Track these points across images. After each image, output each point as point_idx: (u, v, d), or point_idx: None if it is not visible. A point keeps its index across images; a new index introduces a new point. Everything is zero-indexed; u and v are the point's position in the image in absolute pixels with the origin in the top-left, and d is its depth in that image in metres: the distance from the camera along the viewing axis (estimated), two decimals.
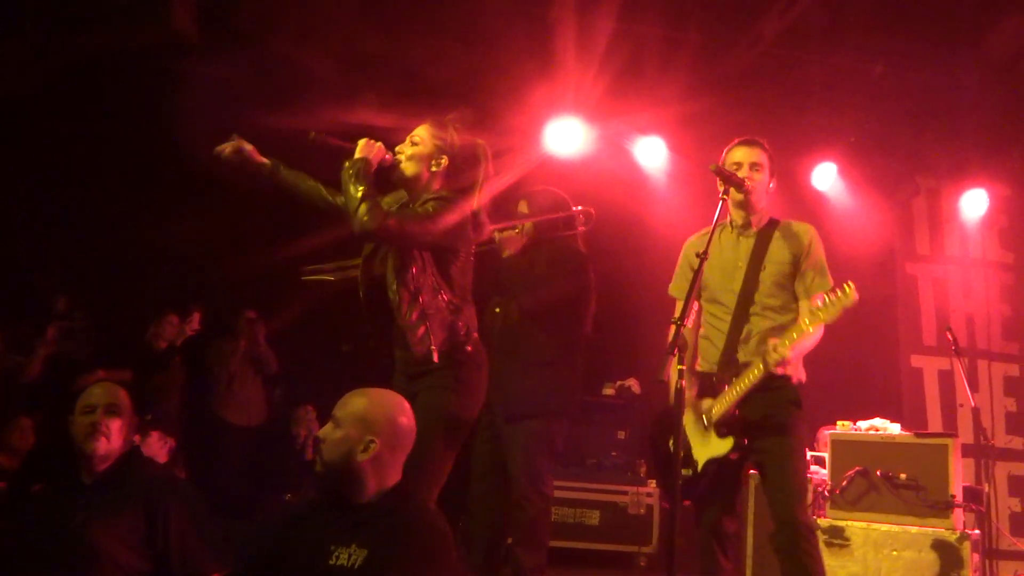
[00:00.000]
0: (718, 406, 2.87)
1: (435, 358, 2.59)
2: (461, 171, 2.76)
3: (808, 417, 2.96)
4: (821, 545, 3.32)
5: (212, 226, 5.21)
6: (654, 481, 5.32)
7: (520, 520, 3.31)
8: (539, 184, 3.83)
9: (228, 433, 5.75)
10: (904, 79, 5.30)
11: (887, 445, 4.14)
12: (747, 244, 2.98)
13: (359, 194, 2.54)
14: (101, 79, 5.06)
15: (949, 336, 5.04)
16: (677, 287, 3.14)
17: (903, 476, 4.01)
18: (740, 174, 2.93)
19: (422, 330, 2.61)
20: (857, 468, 4.11)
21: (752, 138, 3.04)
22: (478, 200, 2.75)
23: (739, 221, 3.02)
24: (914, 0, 4.90)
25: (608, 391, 5.73)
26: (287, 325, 5.74)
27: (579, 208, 3.58)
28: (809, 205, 5.78)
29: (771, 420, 2.82)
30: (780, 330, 2.81)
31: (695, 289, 2.74)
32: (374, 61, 5.09)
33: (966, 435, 5.33)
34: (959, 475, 3.98)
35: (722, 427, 2.85)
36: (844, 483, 4.11)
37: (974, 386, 5.54)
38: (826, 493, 4.14)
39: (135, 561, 2.49)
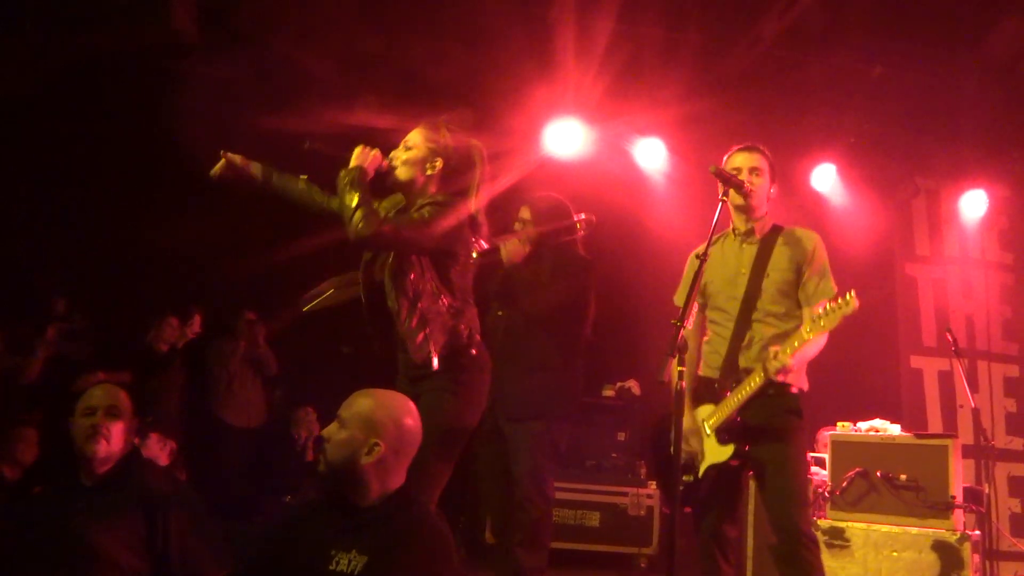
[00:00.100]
0: (719, 412, 2.87)
1: (435, 364, 2.59)
2: (457, 173, 2.75)
3: (808, 425, 2.94)
4: (821, 546, 3.32)
5: (212, 227, 5.21)
6: (654, 483, 5.32)
7: (522, 521, 3.32)
8: (539, 186, 3.83)
9: (228, 434, 5.75)
10: (903, 80, 5.31)
11: (887, 446, 4.14)
12: (750, 251, 2.98)
13: (354, 202, 2.54)
14: (101, 79, 5.06)
15: (949, 337, 5.04)
16: (682, 296, 3.12)
17: (903, 477, 4.01)
18: (740, 178, 2.93)
19: (421, 336, 2.61)
20: (857, 469, 4.12)
21: (752, 144, 3.04)
22: (476, 202, 2.74)
23: (742, 228, 3.02)
24: (913, 1, 4.91)
25: (608, 393, 5.73)
26: (287, 326, 5.73)
27: (581, 216, 3.58)
28: (808, 206, 5.79)
29: (770, 427, 2.81)
30: (783, 337, 2.80)
31: (695, 290, 2.74)
32: (374, 62, 5.10)
33: (966, 436, 5.34)
34: (959, 476, 3.98)
35: (723, 433, 2.84)
36: (844, 484, 4.11)
37: (974, 387, 5.54)
38: (826, 494, 4.14)
39: (135, 563, 2.49)
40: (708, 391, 2.94)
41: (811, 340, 2.72)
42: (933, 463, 3.99)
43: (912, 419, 5.55)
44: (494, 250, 3.38)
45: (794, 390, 2.87)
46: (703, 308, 3.08)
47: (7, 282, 5.24)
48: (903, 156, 5.94)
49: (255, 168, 2.86)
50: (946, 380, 5.95)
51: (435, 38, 5.03)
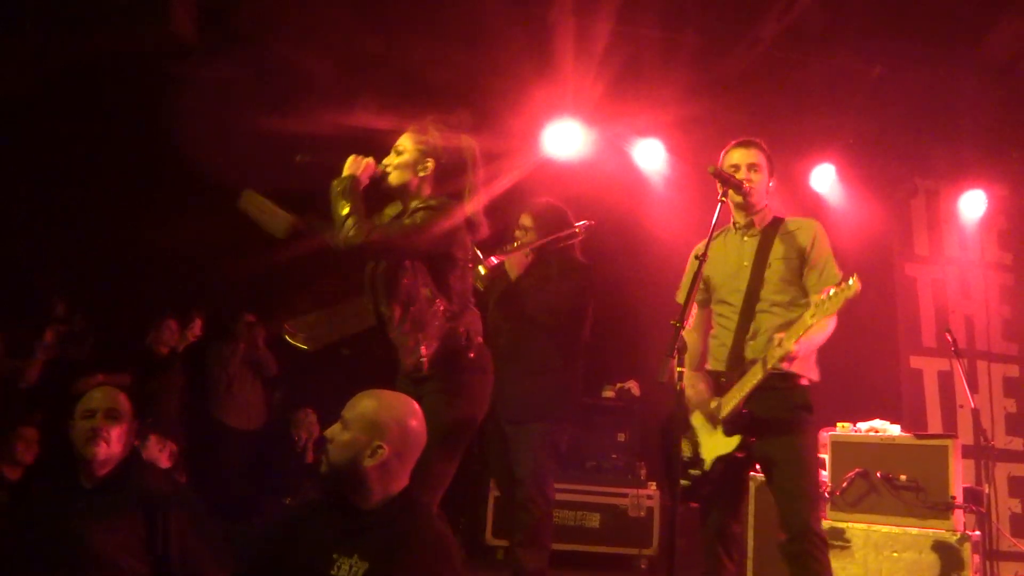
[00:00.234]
0: (726, 404, 2.84)
1: (425, 368, 2.59)
2: (450, 172, 2.75)
3: (818, 420, 2.91)
4: None
5: (211, 228, 5.19)
6: (654, 483, 5.32)
7: (524, 521, 3.34)
8: (538, 187, 3.85)
9: (227, 436, 5.74)
10: (903, 81, 5.31)
11: (887, 446, 4.14)
12: (751, 243, 2.98)
13: (344, 211, 2.55)
14: (101, 80, 5.06)
15: (948, 337, 5.04)
16: (684, 296, 3.12)
17: (903, 477, 4.01)
18: (738, 176, 2.93)
19: (413, 341, 2.63)
20: (857, 469, 4.11)
21: (749, 139, 3.04)
22: (473, 202, 2.74)
23: (742, 222, 3.02)
24: (912, 2, 4.91)
25: (608, 393, 5.73)
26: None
27: (582, 222, 3.59)
28: (808, 206, 5.79)
29: (778, 422, 2.79)
30: (789, 326, 2.77)
31: (694, 290, 2.74)
32: (373, 62, 5.10)
33: (966, 436, 5.34)
34: (959, 476, 3.98)
35: (729, 425, 2.82)
36: (844, 485, 4.11)
37: (974, 387, 5.54)
38: (826, 495, 4.13)
39: (136, 565, 2.49)
40: (715, 383, 2.93)
41: (817, 327, 2.69)
42: (933, 463, 3.99)
43: (912, 419, 5.55)
44: (500, 264, 3.40)
45: (804, 382, 2.85)
46: (708, 303, 3.07)
47: (7, 283, 5.24)
48: (902, 156, 5.95)
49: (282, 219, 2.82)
50: (946, 380, 5.95)
51: (434, 39, 5.03)
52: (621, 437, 5.53)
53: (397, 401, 2.25)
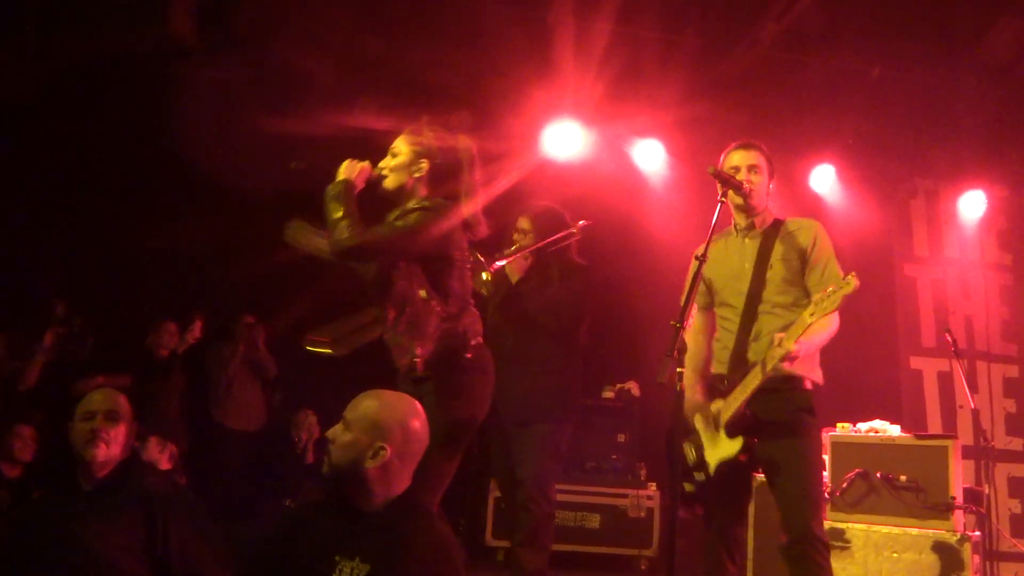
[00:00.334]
0: (728, 407, 2.82)
1: (419, 368, 2.60)
2: (445, 173, 2.75)
3: (821, 422, 2.90)
4: None
5: (211, 230, 5.20)
6: (654, 484, 5.32)
7: (525, 522, 3.34)
8: (538, 188, 3.86)
9: (227, 438, 5.74)
10: (902, 81, 5.32)
11: (887, 447, 4.14)
12: (752, 245, 2.97)
13: (338, 214, 2.56)
14: (100, 82, 5.06)
15: (948, 337, 5.04)
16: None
17: (903, 478, 4.01)
18: (738, 177, 2.92)
19: (407, 342, 2.63)
20: (857, 470, 4.11)
21: (748, 141, 3.03)
22: (471, 201, 2.74)
23: (742, 224, 3.01)
24: (912, 3, 4.92)
25: (608, 394, 5.73)
26: (286, 329, 5.73)
27: (580, 223, 3.61)
28: (807, 207, 5.79)
29: (781, 424, 2.77)
30: (790, 327, 2.75)
31: (694, 291, 2.73)
32: (373, 64, 5.10)
33: (966, 437, 5.33)
34: (959, 477, 3.98)
35: (732, 428, 2.79)
36: (844, 485, 4.11)
37: (973, 387, 5.54)
38: (826, 495, 4.13)
39: (136, 567, 2.48)
40: (718, 386, 2.92)
41: (819, 326, 2.68)
42: (933, 464, 3.99)
43: (912, 420, 5.55)
44: (501, 269, 3.42)
45: (807, 385, 2.84)
46: (711, 307, 3.06)
47: (6, 285, 5.24)
48: (902, 156, 5.95)
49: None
50: (946, 381, 5.95)
51: (434, 41, 5.03)
52: (621, 438, 5.53)
53: (399, 401, 2.22)
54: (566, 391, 3.53)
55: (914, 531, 3.89)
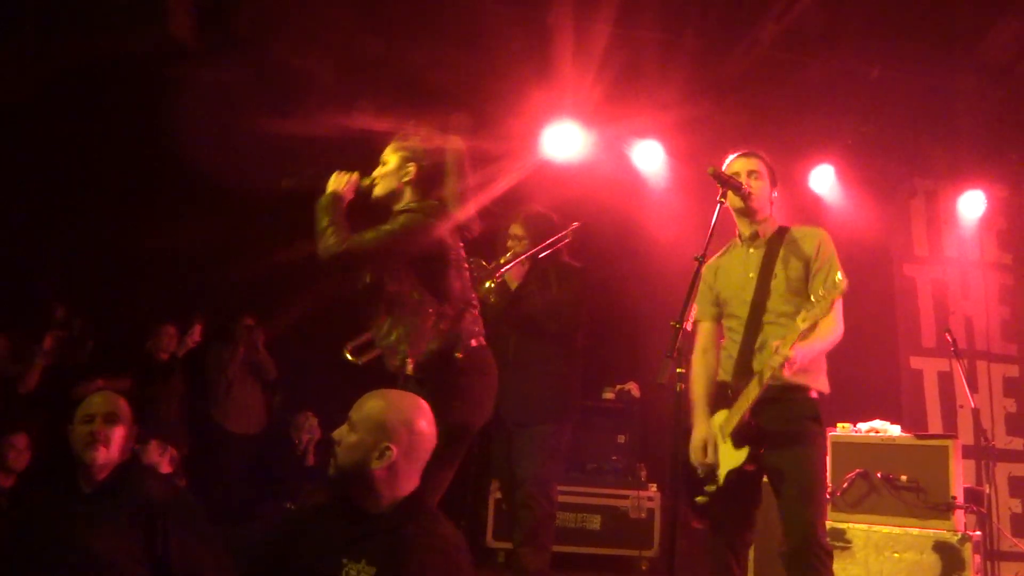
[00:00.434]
0: (732, 416, 2.81)
1: (409, 370, 2.61)
2: (435, 175, 2.77)
3: (826, 431, 2.87)
4: None
5: (211, 232, 5.20)
6: (655, 485, 5.32)
7: (526, 520, 3.36)
8: (536, 190, 3.88)
9: (227, 440, 5.73)
10: (901, 82, 5.32)
11: (887, 447, 4.14)
12: (757, 255, 2.95)
13: (324, 223, 2.62)
14: (99, 83, 5.06)
15: (948, 337, 5.05)
16: (699, 311, 3.10)
17: (904, 478, 4.01)
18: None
19: (396, 346, 2.64)
20: (858, 470, 4.12)
21: (749, 150, 3.03)
22: (462, 200, 2.75)
23: (746, 233, 3.00)
24: (911, 4, 4.92)
25: (608, 395, 5.73)
26: (286, 331, 5.73)
27: (573, 225, 3.64)
28: (807, 207, 5.79)
29: (786, 433, 2.75)
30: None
31: (693, 291, 2.72)
32: (373, 65, 5.10)
33: (966, 436, 5.34)
34: (960, 476, 3.98)
35: (737, 437, 2.78)
36: (845, 485, 4.11)
37: (974, 387, 5.54)
38: (827, 495, 4.13)
39: (136, 570, 2.48)
40: (722, 396, 2.90)
41: (819, 333, 2.68)
42: (933, 464, 4.00)
43: (912, 420, 5.55)
44: (501, 277, 3.44)
45: (813, 394, 2.82)
46: (719, 319, 3.04)
47: (6, 288, 5.24)
48: (901, 157, 5.95)
49: None
50: (946, 381, 5.94)
51: (434, 42, 5.03)
52: (621, 439, 5.53)
53: (405, 401, 2.20)
54: (565, 392, 3.56)
55: (915, 531, 3.90)
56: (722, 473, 2.82)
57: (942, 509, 3.90)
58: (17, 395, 4.85)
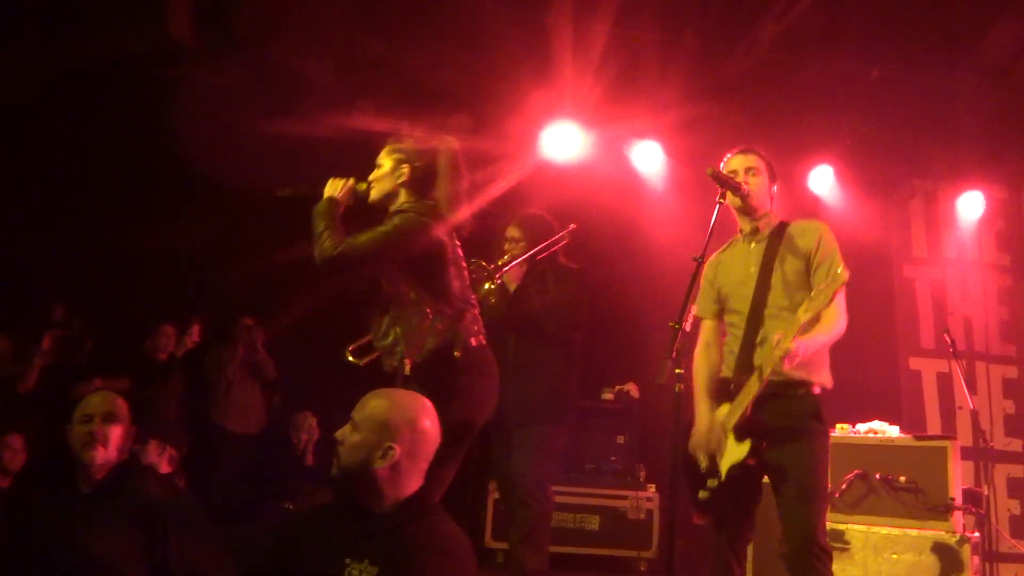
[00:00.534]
0: (734, 411, 2.80)
1: (406, 370, 2.61)
2: (429, 175, 2.79)
3: (829, 429, 2.85)
4: None
5: (210, 232, 5.21)
6: (654, 486, 5.32)
7: (523, 518, 3.36)
8: (535, 190, 3.88)
9: (227, 440, 5.74)
10: (901, 83, 5.32)
11: (886, 448, 4.14)
12: (758, 249, 2.95)
13: (320, 228, 2.65)
14: (99, 84, 5.06)
15: (947, 338, 5.05)
16: (701, 307, 3.10)
17: (902, 479, 4.01)
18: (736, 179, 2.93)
19: (393, 344, 2.65)
20: (856, 471, 4.12)
21: (747, 147, 3.02)
22: (453, 201, 2.76)
23: (747, 229, 3.00)
24: (910, 5, 4.92)
25: (607, 396, 5.72)
26: (285, 331, 5.73)
27: (570, 227, 3.65)
28: (806, 208, 5.79)
29: (788, 431, 2.74)
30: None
31: (692, 291, 2.72)
32: (372, 66, 5.10)
33: (965, 437, 5.34)
34: (958, 477, 3.98)
35: (738, 432, 2.77)
36: (843, 486, 4.11)
37: (972, 388, 5.54)
38: (828, 496, 4.13)
39: (135, 570, 2.48)
40: (725, 392, 2.90)
41: (822, 326, 2.68)
42: (932, 465, 4.00)
43: (911, 421, 5.55)
44: (500, 279, 3.45)
45: (816, 390, 2.81)
46: (721, 315, 3.04)
47: (5, 288, 5.24)
48: (900, 158, 5.95)
49: None
50: (945, 382, 5.95)
51: (433, 42, 5.03)
52: (620, 439, 5.53)
53: (408, 400, 2.18)
54: (564, 393, 3.58)
55: (913, 532, 3.90)
56: (724, 467, 2.81)
57: (941, 510, 3.90)
58: (16, 395, 4.85)
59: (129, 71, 4.92)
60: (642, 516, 5.22)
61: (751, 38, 5.03)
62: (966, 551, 3.78)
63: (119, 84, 5.08)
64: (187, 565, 2.55)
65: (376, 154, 2.88)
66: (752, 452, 2.73)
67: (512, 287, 3.62)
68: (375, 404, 2.13)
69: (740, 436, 2.77)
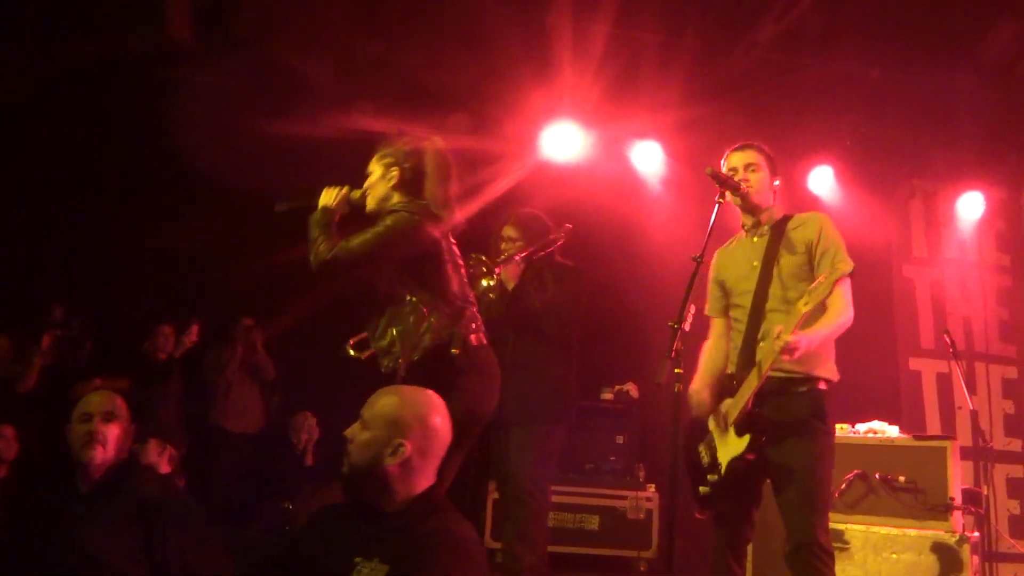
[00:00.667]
0: (735, 405, 2.79)
1: (402, 371, 2.63)
2: (416, 175, 2.82)
3: (833, 426, 2.83)
4: None
5: (210, 232, 5.21)
6: (653, 485, 5.32)
7: (519, 515, 3.36)
8: (535, 190, 3.88)
9: (226, 441, 5.74)
10: (900, 83, 5.32)
11: (885, 448, 4.14)
12: (761, 243, 2.94)
13: (315, 235, 2.71)
14: (98, 85, 5.06)
15: (947, 339, 5.05)
16: (709, 306, 3.10)
17: (902, 479, 4.01)
18: (736, 178, 2.92)
19: (388, 347, 2.67)
20: (856, 471, 4.11)
21: (746, 143, 3.02)
22: (442, 200, 2.77)
23: (749, 224, 3.00)
24: (910, 5, 4.92)
25: (607, 396, 5.72)
26: (284, 331, 5.73)
27: (566, 226, 3.66)
28: (806, 208, 5.77)
29: (790, 426, 2.72)
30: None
31: (692, 292, 2.72)
32: (372, 66, 5.10)
33: (964, 438, 5.34)
34: (958, 477, 3.98)
35: (739, 426, 2.75)
36: (843, 486, 4.11)
37: (972, 389, 5.54)
38: (830, 495, 4.13)
39: (134, 570, 2.48)
40: (728, 386, 2.89)
41: (827, 317, 2.68)
42: (932, 465, 3.99)
43: (910, 421, 5.54)
44: (499, 275, 3.45)
45: (821, 386, 2.79)
46: (726, 311, 3.03)
47: (4, 289, 5.24)
48: (900, 158, 5.95)
49: None
50: (944, 382, 5.95)
51: (433, 43, 5.04)
52: (620, 439, 5.53)
53: (418, 397, 2.16)
54: (562, 393, 3.57)
55: (913, 532, 3.90)
56: (724, 461, 2.80)
57: (940, 510, 3.90)
58: (16, 395, 4.86)
59: (129, 71, 4.92)
60: (642, 516, 5.22)
61: (751, 38, 5.03)
62: (966, 551, 3.78)
63: (119, 84, 5.08)
64: (186, 565, 2.55)
65: (376, 155, 2.90)
66: (751, 446, 2.72)
67: (510, 285, 3.61)
68: (384, 401, 2.11)
69: (740, 430, 2.76)
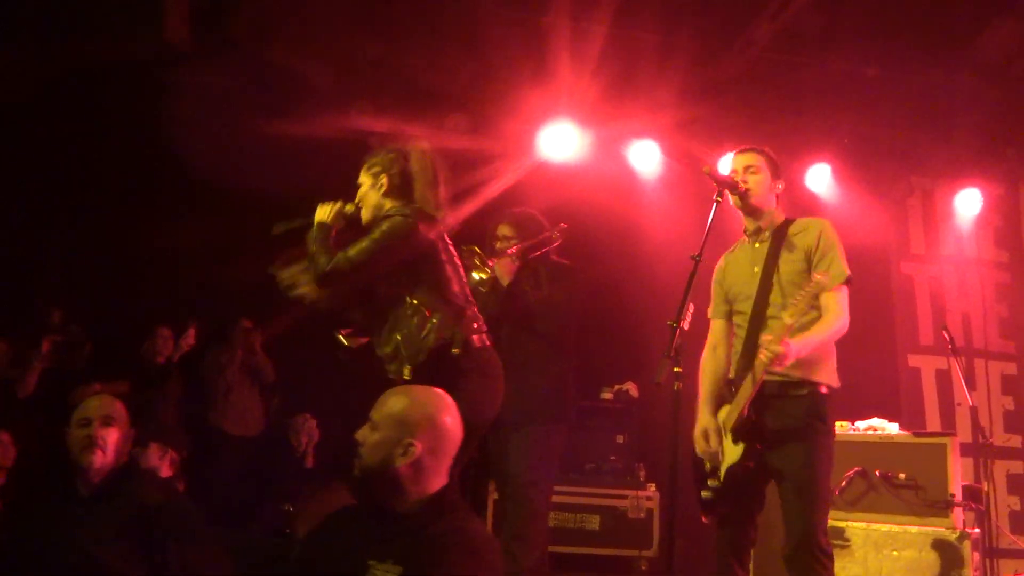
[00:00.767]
0: (732, 412, 2.80)
1: (406, 375, 2.64)
2: (404, 179, 2.85)
3: (832, 429, 2.83)
4: None
5: (209, 234, 5.20)
6: (653, 485, 5.32)
7: (518, 514, 3.36)
8: (533, 190, 3.88)
9: (226, 443, 5.73)
10: (898, 81, 5.33)
11: (885, 445, 4.15)
12: (762, 249, 2.94)
13: (313, 251, 2.75)
14: (98, 86, 5.06)
15: (946, 335, 5.05)
16: (712, 309, 3.10)
17: (902, 476, 4.02)
18: (735, 179, 2.93)
19: (392, 348, 2.68)
20: (856, 468, 4.12)
21: (748, 146, 3.02)
22: (433, 198, 2.79)
23: (751, 228, 3.00)
24: (908, 4, 4.93)
25: (606, 395, 5.72)
26: (284, 333, 5.73)
27: (562, 225, 3.67)
28: (804, 206, 5.79)
29: (789, 430, 2.72)
30: (799, 330, 2.70)
31: (691, 291, 2.71)
32: (370, 67, 5.10)
33: (964, 434, 5.35)
34: (958, 474, 3.99)
35: (736, 433, 2.76)
36: (843, 484, 4.11)
37: (972, 385, 5.55)
38: (830, 497, 4.13)
39: (135, 574, 2.48)
40: (727, 391, 2.90)
41: (820, 325, 2.69)
42: (932, 462, 4.00)
43: (910, 418, 5.55)
44: (491, 268, 3.44)
45: (823, 389, 2.80)
46: (729, 316, 3.03)
47: (2, 292, 5.23)
48: (898, 155, 5.96)
49: None
50: (944, 378, 5.95)
51: (431, 43, 5.03)
52: (620, 439, 5.53)
53: (428, 396, 2.15)
54: (561, 392, 3.56)
55: (913, 529, 3.90)
56: (723, 469, 2.81)
57: (940, 507, 3.90)
58: (16, 399, 4.85)
59: (128, 73, 4.92)
60: (642, 515, 5.22)
61: (748, 38, 5.03)
62: (966, 547, 3.78)
63: (118, 85, 5.07)
64: (186, 569, 2.55)
65: (363, 166, 2.92)
66: (748, 454, 2.72)
67: (505, 282, 3.60)
68: (394, 401, 2.10)
69: (736, 438, 2.76)
